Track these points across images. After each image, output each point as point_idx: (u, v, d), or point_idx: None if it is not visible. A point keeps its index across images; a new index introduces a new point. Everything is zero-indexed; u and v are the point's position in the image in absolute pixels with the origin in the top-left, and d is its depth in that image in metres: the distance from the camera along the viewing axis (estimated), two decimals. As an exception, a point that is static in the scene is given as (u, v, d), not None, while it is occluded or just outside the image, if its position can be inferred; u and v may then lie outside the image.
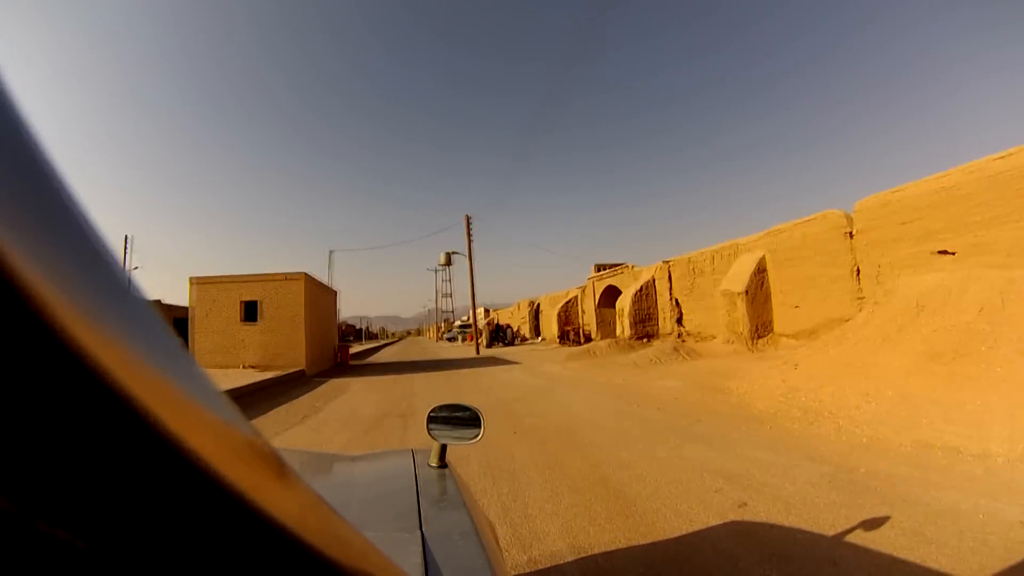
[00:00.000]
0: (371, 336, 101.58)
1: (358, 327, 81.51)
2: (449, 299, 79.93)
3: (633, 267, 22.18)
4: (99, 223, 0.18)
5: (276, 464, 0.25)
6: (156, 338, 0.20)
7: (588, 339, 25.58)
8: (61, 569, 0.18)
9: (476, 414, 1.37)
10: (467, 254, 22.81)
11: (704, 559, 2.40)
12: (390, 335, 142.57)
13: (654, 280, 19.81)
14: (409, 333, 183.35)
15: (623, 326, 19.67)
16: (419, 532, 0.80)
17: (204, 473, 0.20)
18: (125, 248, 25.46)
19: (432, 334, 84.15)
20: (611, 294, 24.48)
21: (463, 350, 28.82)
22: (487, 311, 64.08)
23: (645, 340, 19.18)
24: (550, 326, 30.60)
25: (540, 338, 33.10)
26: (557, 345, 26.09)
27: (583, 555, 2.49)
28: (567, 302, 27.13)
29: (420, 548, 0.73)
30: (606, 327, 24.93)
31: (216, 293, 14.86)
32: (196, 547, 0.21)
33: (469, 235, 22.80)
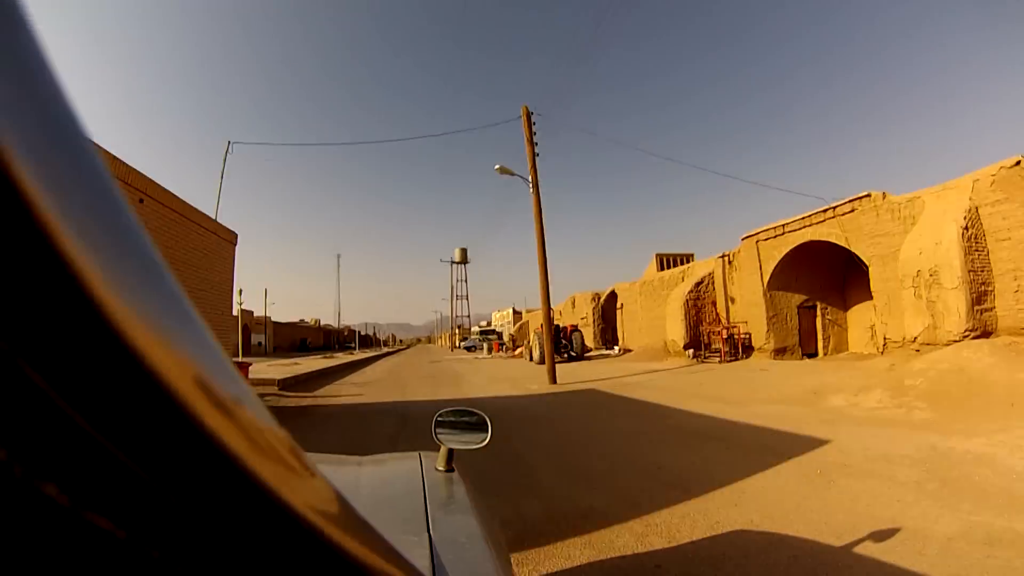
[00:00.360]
0: (376, 343, 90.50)
1: (363, 332, 70.22)
2: (465, 302, 69.02)
3: (885, 195, 10.17)
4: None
5: (301, 461, 0.26)
6: (201, 341, 0.21)
7: (747, 349, 13.61)
8: (102, 557, 0.18)
9: (483, 419, 1.34)
10: (529, 169, 11.11)
11: None
12: (399, 342, 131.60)
13: (972, 216, 7.98)
14: (419, 340, 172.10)
15: (940, 311, 7.78)
16: (427, 535, 0.77)
17: (241, 469, 0.21)
18: None
19: (445, 342, 72.65)
20: (801, 263, 12.66)
21: (501, 367, 17.13)
22: (517, 313, 52.17)
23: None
24: (641, 330, 18.53)
25: (617, 348, 21.11)
26: (689, 360, 13.98)
27: None
28: (698, 283, 15.03)
29: (428, 551, 0.71)
30: (782, 325, 13.00)
31: None
32: (227, 539, 0.22)
33: (531, 134, 11.20)
